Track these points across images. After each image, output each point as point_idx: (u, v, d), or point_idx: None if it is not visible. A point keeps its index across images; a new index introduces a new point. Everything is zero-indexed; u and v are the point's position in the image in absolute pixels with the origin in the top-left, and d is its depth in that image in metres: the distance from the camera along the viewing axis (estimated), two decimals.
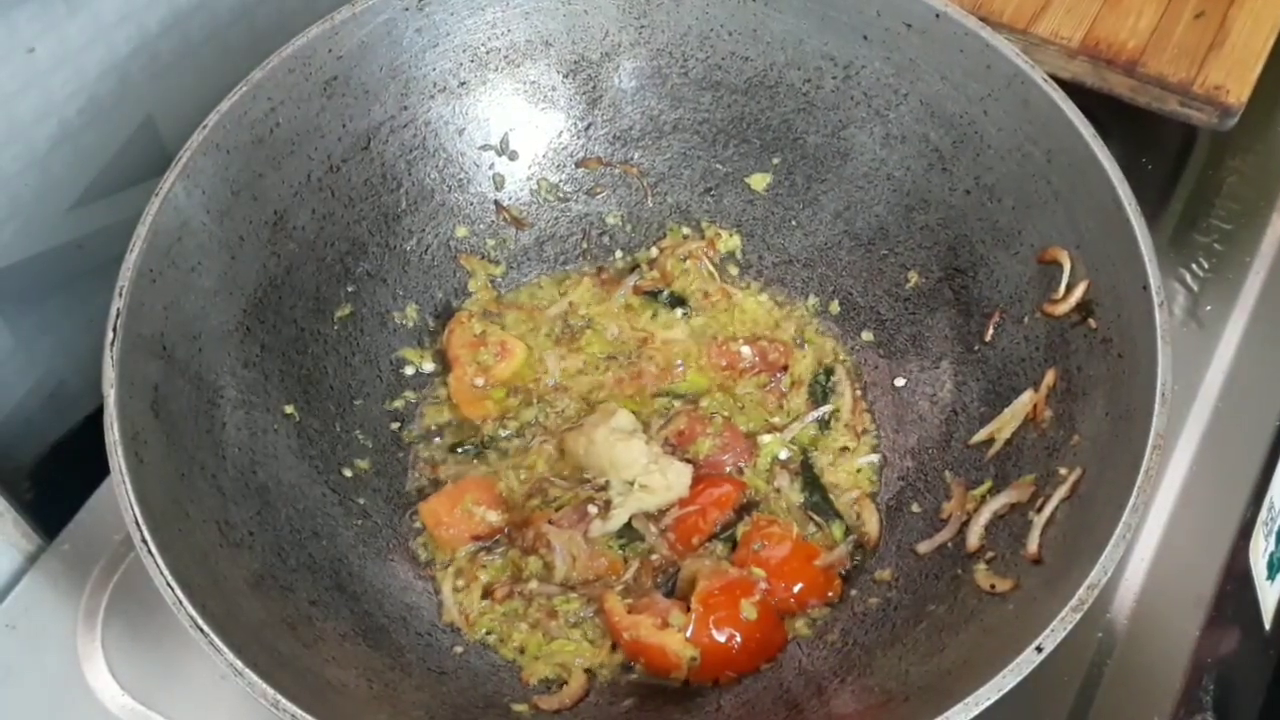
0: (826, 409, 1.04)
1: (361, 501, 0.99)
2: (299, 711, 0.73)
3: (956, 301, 1.01)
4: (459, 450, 1.03)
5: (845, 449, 1.03)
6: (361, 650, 0.88)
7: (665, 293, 1.10)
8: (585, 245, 1.13)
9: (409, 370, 1.07)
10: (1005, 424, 0.95)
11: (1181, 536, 1.01)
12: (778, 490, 1.00)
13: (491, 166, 1.09)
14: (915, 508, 0.98)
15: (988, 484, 0.93)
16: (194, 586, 0.77)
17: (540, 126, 1.09)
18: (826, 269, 1.09)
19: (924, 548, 0.94)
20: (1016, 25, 1.21)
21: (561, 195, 1.11)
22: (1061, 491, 0.86)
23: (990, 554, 0.89)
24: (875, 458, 1.02)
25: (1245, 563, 0.99)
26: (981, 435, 0.96)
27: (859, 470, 1.01)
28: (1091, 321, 0.90)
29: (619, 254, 1.13)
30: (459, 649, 0.94)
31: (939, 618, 0.87)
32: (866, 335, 1.07)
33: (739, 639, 0.91)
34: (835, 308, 1.09)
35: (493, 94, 1.07)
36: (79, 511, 1.04)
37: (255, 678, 0.74)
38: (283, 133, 0.97)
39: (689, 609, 0.91)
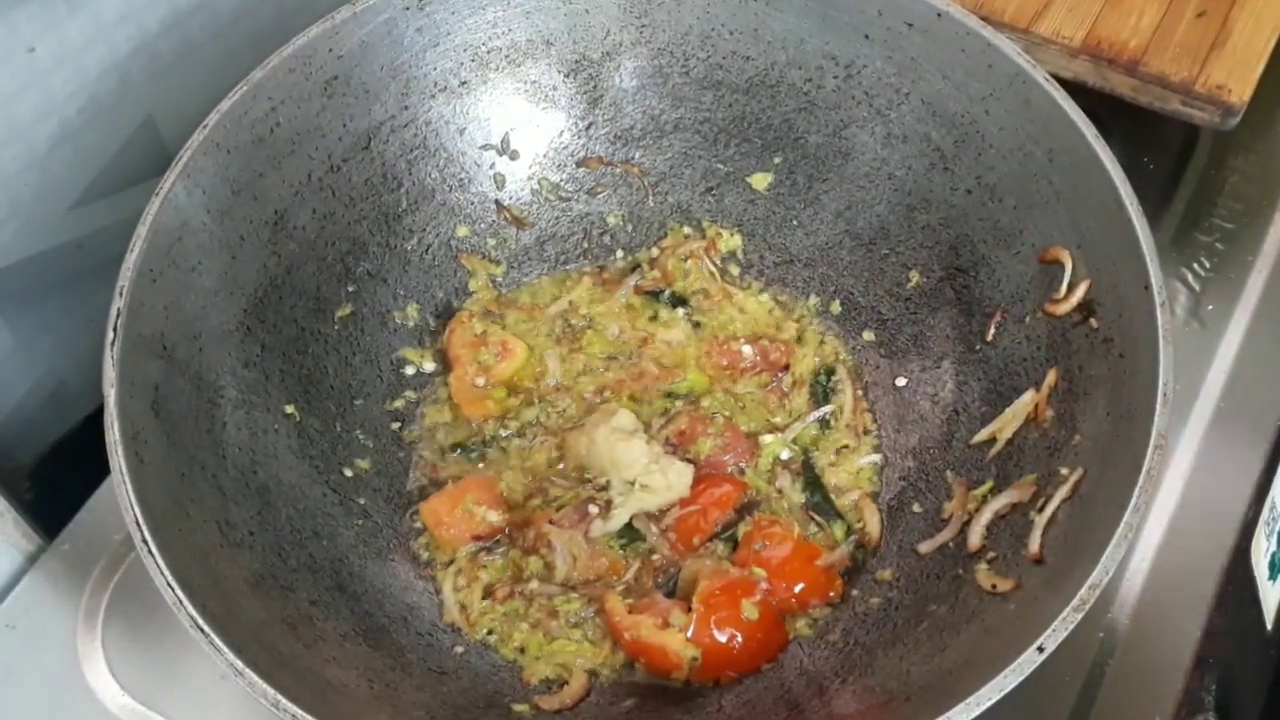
0: (828, 409, 1.04)
1: (362, 501, 0.99)
2: (299, 711, 0.73)
3: (958, 301, 1.01)
4: (459, 450, 1.03)
5: (846, 449, 1.03)
6: (362, 650, 0.88)
7: (666, 292, 1.09)
8: (586, 245, 1.12)
9: (409, 370, 1.06)
10: (1007, 424, 0.95)
11: (1183, 537, 1.01)
12: (779, 490, 1.00)
13: (492, 166, 1.09)
14: (916, 508, 0.97)
15: (989, 484, 0.93)
16: (194, 586, 0.77)
17: (541, 126, 1.09)
18: (828, 269, 1.09)
19: (925, 548, 0.94)
20: (1018, 24, 1.21)
21: (562, 195, 1.11)
22: (1063, 491, 0.86)
23: (992, 554, 0.88)
24: (876, 457, 1.02)
25: (1247, 563, 0.99)
26: (983, 435, 0.96)
27: (860, 470, 1.01)
28: (1093, 321, 0.90)
29: (620, 254, 1.13)
30: (460, 649, 0.94)
31: (940, 618, 0.87)
32: (868, 335, 1.07)
33: (740, 639, 0.91)
34: (837, 307, 1.08)
35: (494, 93, 1.07)
36: (79, 511, 1.04)
37: (255, 678, 0.74)
38: (283, 132, 0.97)
39: (690, 609, 0.91)
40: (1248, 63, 1.16)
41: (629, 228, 1.13)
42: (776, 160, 1.08)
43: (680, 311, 1.09)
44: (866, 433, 1.03)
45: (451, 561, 0.98)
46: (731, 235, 1.11)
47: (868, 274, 1.07)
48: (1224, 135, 1.19)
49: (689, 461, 1.00)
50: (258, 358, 0.96)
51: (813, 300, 1.09)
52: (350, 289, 1.04)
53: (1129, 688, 0.94)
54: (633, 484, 0.97)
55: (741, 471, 1.01)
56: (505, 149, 1.09)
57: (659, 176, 1.11)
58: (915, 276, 1.04)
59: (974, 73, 0.95)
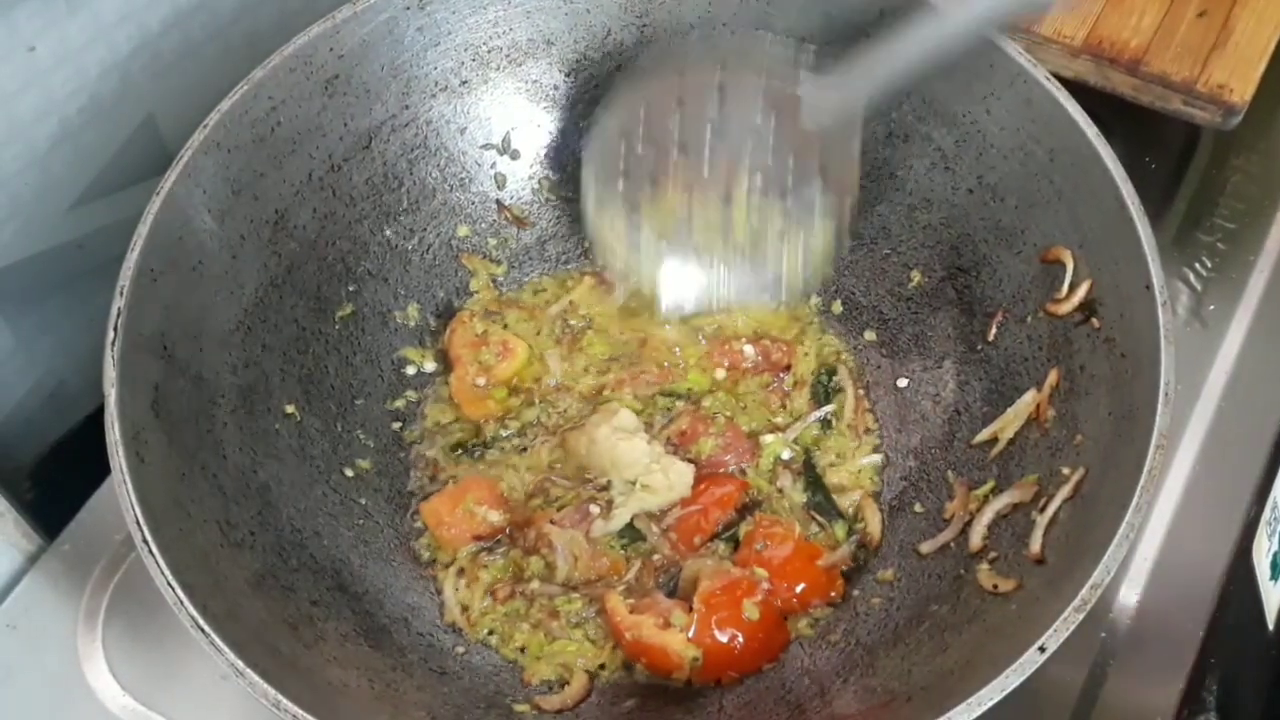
0: (829, 409, 1.04)
1: (363, 501, 0.99)
2: (300, 712, 0.73)
3: (959, 301, 1.01)
4: (460, 450, 1.03)
5: (848, 449, 1.02)
6: (363, 650, 0.88)
7: None
8: (587, 245, 1.12)
9: (410, 370, 1.06)
10: (1008, 424, 0.94)
11: (1185, 536, 1.01)
12: (780, 490, 1.00)
13: (493, 165, 1.09)
14: (918, 508, 0.97)
15: (990, 484, 0.93)
16: (195, 587, 0.77)
17: (542, 125, 1.09)
18: (829, 268, 1.08)
19: (927, 548, 0.94)
20: (1019, 24, 1.20)
21: (563, 194, 1.11)
22: (1064, 491, 0.85)
23: (993, 554, 0.88)
24: (878, 458, 1.02)
25: (1249, 563, 0.99)
26: (984, 435, 0.96)
27: (861, 470, 1.01)
28: (1094, 321, 0.90)
29: None
30: (460, 649, 0.94)
31: (942, 618, 0.87)
32: (869, 335, 1.07)
33: (741, 639, 0.90)
34: (838, 307, 1.08)
35: (494, 93, 1.07)
36: (79, 511, 1.04)
37: (256, 678, 0.74)
38: (284, 132, 0.96)
39: (691, 609, 0.91)
40: (1249, 62, 1.16)
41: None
42: None
43: None
44: (868, 432, 1.03)
45: (452, 561, 0.98)
46: None
47: (869, 274, 1.07)
48: (1225, 135, 1.19)
49: (690, 461, 1.00)
50: (258, 357, 0.96)
51: (814, 300, 1.09)
52: (351, 288, 1.03)
53: (1130, 688, 0.94)
54: (634, 484, 0.97)
55: (743, 471, 1.01)
56: (506, 148, 1.09)
57: None
58: (917, 276, 1.04)
59: (975, 72, 0.95)
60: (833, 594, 0.95)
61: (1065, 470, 0.87)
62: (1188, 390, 1.07)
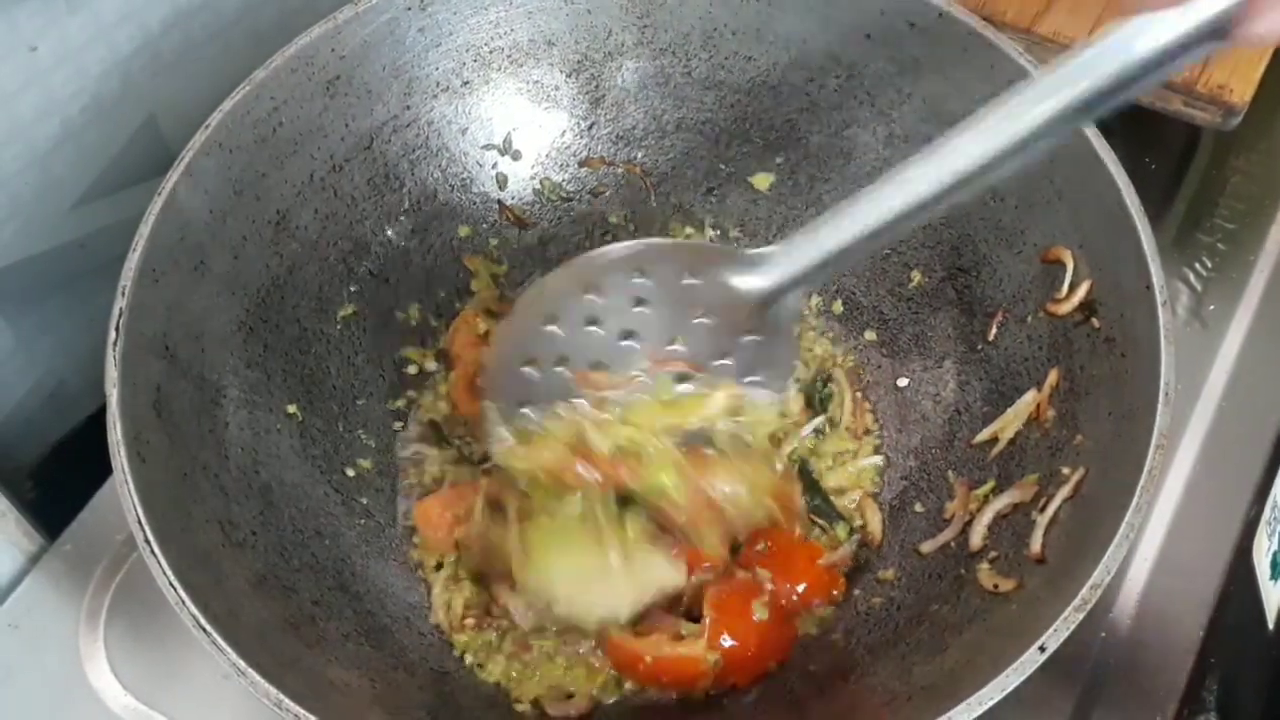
0: (819, 421, 1.03)
1: (364, 501, 0.99)
2: (302, 712, 0.73)
3: (959, 301, 1.01)
4: (452, 442, 1.02)
5: (847, 451, 1.02)
6: (364, 650, 0.88)
7: None
8: (588, 245, 1.12)
9: (412, 369, 1.06)
10: (1008, 423, 0.95)
11: (1185, 536, 1.01)
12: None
13: (494, 166, 1.09)
14: (918, 507, 0.97)
15: (991, 484, 0.93)
16: (196, 586, 0.77)
17: (543, 126, 1.09)
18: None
19: (927, 548, 0.94)
20: (1020, 25, 1.21)
21: (564, 195, 1.11)
22: (1065, 491, 0.86)
23: (993, 554, 0.88)
24: (879, 459, 1.02)
25: (1249, 562, 0.99)
26: (985, 435, 0.96)
27: (862, 471, 1.01)
28: (1094, 321, 0.90)
29: None
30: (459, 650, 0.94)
31: (942, 617, 0.87)
32: (869, 335, 1.07)
33: (755, 639, 0.90)
34: (838, 307, 1.08)
35: (496, 93, 1.07)
36: (81, 511, 1.04)
37: (258, 678, 0.74)
38: (285, 132, 0.97)
39: (694, 619, 0.91)
40: (1249, 63, 1.16)
41: (631, 228, 1.12)
42: (778, 160, 1.08)
43: None
44: (868, 433, 1.03)
45: (441, 565, 0.97)
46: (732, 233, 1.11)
47: (869, 274, 1.07)
48: (1226, 135, 1.19)
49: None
50: (260, 357, 0.96)
51: (814, 300, 1.09)
52: (352, 289, 1.03)
53: (1130, 687, 0.94)
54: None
55: None
56: (507, 149, 1.09)
57: (661, 176, 1.11)
58: (917, 276, 1.04)
59: (975, 73, 0.95)
60: (834, 593, 0.95)
61: (1065, 470, 0.87)
62: (1188, 390, 1.07)
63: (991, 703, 0.72)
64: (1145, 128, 1.19)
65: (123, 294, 0.84)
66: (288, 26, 1.02)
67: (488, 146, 1.08)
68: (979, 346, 0.99)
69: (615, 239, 1.13)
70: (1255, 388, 1.08)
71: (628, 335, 0.88)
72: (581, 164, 1.11)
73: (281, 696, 0.73)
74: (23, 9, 0.94)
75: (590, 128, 1.10)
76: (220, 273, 0.93)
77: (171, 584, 0.75)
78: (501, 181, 1.10)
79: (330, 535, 0.94)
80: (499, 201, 1.10)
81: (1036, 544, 0.85)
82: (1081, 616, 0.74)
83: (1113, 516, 0.77)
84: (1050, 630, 0.74)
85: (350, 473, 0.99)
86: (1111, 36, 0.68)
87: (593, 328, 0.88)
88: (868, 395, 1.05)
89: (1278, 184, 1.21)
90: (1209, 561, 0.99)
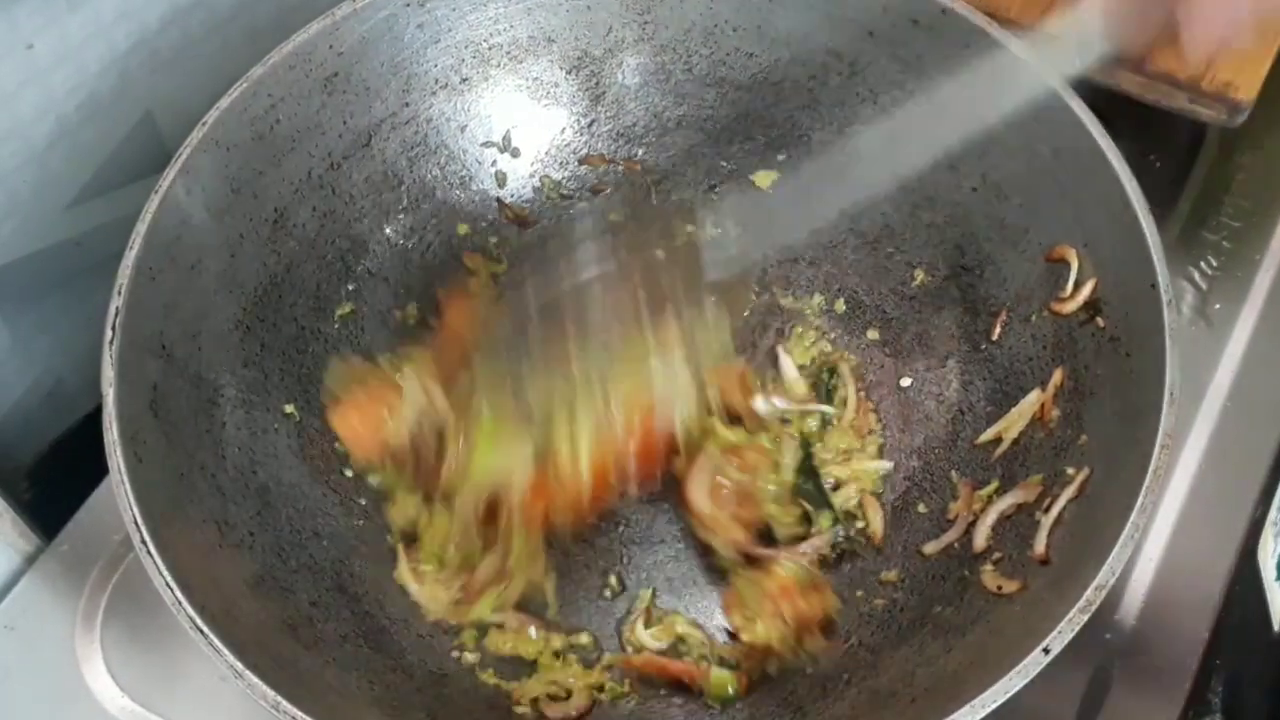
0: (827, 409, 1.02)
1: (362, 502, 0.98)
2: (299, 713, 0.73)
3: (963, 300, 1.01)
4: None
5: (850, 449, 1.02)
6: (363, 652, 0.87)
7: None
8: (588, 244, 1.12)
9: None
10: (1012, 423, 0.94)
11: (1190, 537, 1.00)
12: (777, 465, 0.97)
13: (494, 164, 1.09)
14: (921, 508, 0.97)
15: (994, 484, 0.93)
16: (193, 587, 0.76)
17: (543, 123, 1.09)
18: (832, 267, 1.08)
19: (930, 549, 0.94)
20: (1024, 21, 1.20)
21: (564, 193, 1.11)
22: (1069, 492, 0.85)
23: (997, 555, 0.88)
24: (886, 464, 1.00)
25: (1254, 564, 0.98)
26: (988, 435, 0.96)
27: (865, 472, 1.01)
28: (1099, 320, 0.89)
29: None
30: (457, 652, 0.93)
31: (945, 619, 0.87)
32: (872, 334, 1.06)
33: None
34: (841, 306, 1.08)
35: (495, 90, 1.06)
36: (78, 512, 1.04)
37: (255, 679, 0.73)
38: (283, 130, 0.96)
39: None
40: (1255, 60, 1.16)
41: (631, 226, 1.12)
42: (780, 158, 1.08)
43: None
44: (870, 433, 1.03)
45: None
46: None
47: (872, 273, 1.06)
48: (1231, 133, 1.19)
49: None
50: (257, 357, 0.95)
51: (817, 299, 1.09)
52: (350, 287, 1.03)
53: (1135, 689, 0.94)
54: None
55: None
56: (507, 146, 1.09)
57: (661, 174, 1.11)
58: (920, 275, 1.04)
59: (979, 70, 0.94)
60: (826, 610, 0.92)
61: (1070, 470, 0.87)
62: (1193, 390, 1.07)
63: (995, 705, 0.72)
64: (1150, 125, 1.19)
65: (119, 292, 0.84)
66: (285, 23, 1.01)
67: (487, 144, 1.08)
68: (983, 346, 0.99)
69: (615, 237, 1.12)
70: (1261, 387, 1.08)
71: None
72: (581, 162, 1.10)
73: (279, 698, 0.73)
74: (22, 7, 0.94)
75: (590, 125, 1.09)
76: (217, 271, 0.93)
77: (168, 585, 0.75)
78: (501, 179, 1.09)
79: (328, 536, 0.94)
80: (498, 199, 1.10)
81: (1040, 545, 0.84)
82: (1086, 618, 0.74)
83: (1117, 517, 0.77)
84: (1054, 632, 0.73)
85: (348, 473, 0.99)
86: None
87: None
88: (870, 395, 1.04)
89: None
90: (1214, 562, 0.98)
